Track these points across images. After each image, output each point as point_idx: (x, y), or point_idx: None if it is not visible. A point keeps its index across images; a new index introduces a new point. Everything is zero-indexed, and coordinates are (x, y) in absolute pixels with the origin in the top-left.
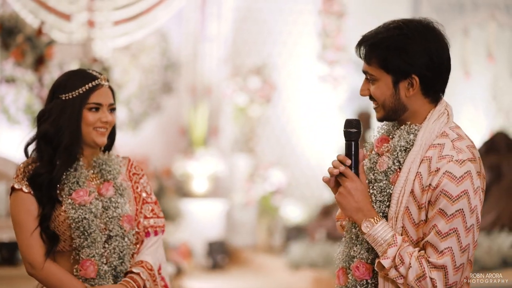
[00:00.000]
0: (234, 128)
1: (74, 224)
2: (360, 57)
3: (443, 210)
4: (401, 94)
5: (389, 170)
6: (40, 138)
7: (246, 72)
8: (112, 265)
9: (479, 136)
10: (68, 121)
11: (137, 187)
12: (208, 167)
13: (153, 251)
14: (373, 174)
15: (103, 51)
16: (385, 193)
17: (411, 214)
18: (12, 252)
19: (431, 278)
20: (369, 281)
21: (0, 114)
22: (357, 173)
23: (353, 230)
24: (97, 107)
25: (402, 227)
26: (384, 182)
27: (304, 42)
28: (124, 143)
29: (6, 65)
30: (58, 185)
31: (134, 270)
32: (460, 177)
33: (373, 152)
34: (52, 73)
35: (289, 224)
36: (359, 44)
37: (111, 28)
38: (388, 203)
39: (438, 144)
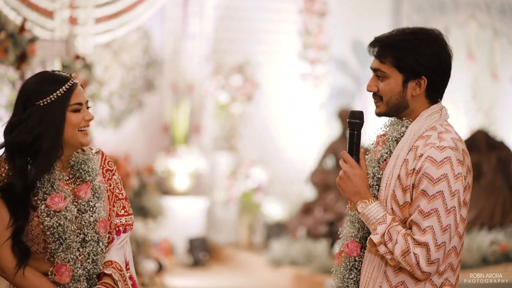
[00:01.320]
0: (216, 125)
1: (49, 231)
2: (372, 55)
3: (425, 191)
4: (408, 93)
5: (381, 158)
6: (14, 148)
7: (228, 70)
8: (86, 269)
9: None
10: (49, 126)
11: (110, 184)
12: (190, 164)
13: (118, 248)
14: (371, 164)
15: (85, 48)
16: (375, 178)
17: (396, 197)
18: None
19: (414, 254)
20: (356, 258)
21: None
22: (357, 159)
23: (349, 212)
24: (79, 108)
25: (391, 209)
26: (375, 168)
27: (285, 40)
28: (106, 140)
29: None
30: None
31: (106, 271)
32: (440, 162)
33: (374, 146)
34: (34, 70)
35: (270, 221)
36: (373, 44)
37: (93, 25)
38: (377, 187)
39: (426, 135)
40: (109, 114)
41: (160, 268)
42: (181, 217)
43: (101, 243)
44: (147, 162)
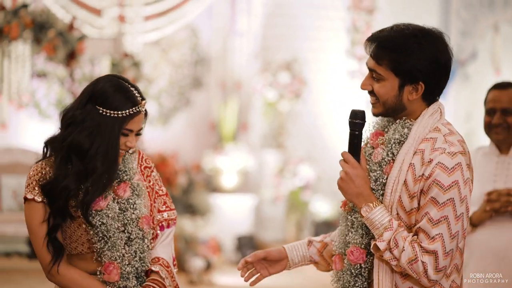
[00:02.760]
0: (264, 123)
1: (92, 230)
2: (369, 53)
3: (435, 199)
4: (404, 97)
5: (383, 161)
6: (72, 148)
7: (276, 67)
8: (134, 267)
9: None
10: (106, 146)
11: (149, 181)
12: (238, 162)
13: (166, 245)
14: (368, 165)
15: (133, 46)
16: (379, 182)
17: (403, 203)
18: None
19: (422, 262)
20: (362, 265)
21: (31, 108)
22: (358, 160)
23: (349, 217)
24: (127, 134)
25: (397, 214)
26: (378, 172)
27: (333, 37)
28: (154, 138)
29: (38, 60)
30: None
31: (154, 268)
32: (451, 168)
33: (368, 145)
34: (83, 68)
35: (318, 219)
36: (370, 41)
37: (141, 23)
38: (381, 191)
39: (431, 137)
40: (158, 112)
41: (208, 266)
42: (229, 215)
43: (146, 240)
44: (195, 159)
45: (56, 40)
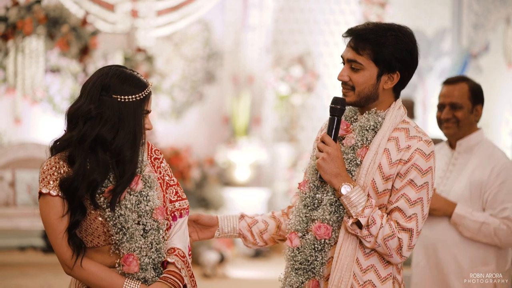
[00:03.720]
0: (276, 117)
1: (111, 221)
2: (346, 44)
3: (413, 181)
4: (380, 86)
5: (356, 145)
6: (97, 142)
7: (288, 61)
8: (151, 258)
9: None
10: (133, 132)
11: (159, 172)
12: (250, 156)
13: (181, 235)
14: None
15: (146, 40)
16: (352, 164)
17: (376, 184)
18: None
19: (399, 238)
20: (327, 241)
21: (45, 103)
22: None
23: (317, 195)
24: (146, 115)
25: (367, 194)
26: (351, 154)
27: (345, 30)
28: (167, 133)
29: (51, 55)
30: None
31: (170, 259)
32: (428, 155)
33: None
34: (96, 63)
35: None
36: (350, 34)
37: (154, 18)
38: (354, 172)
39: (402, 128)
40: (171, 106)
41: (222, 259)
42: (242, 208)
43: (161, 230)
44: (208, 153)
45: (69, 36)
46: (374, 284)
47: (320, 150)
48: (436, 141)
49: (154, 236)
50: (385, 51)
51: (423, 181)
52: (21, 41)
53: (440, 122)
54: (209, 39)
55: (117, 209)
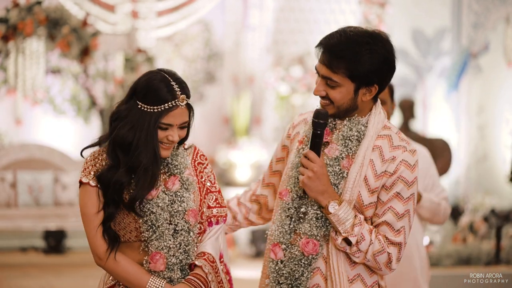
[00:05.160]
0: (277, 117)
1: (142, 219)
2: (321, 61)
3: (399, 194)
4: (359, 98)
5: (340, 156)
6: (116, 142)
7: (288, 61)
8: (179, 259)
9: None
10: (145, 139)
11: (201, 177)
12: (251, 156)
13: (213, 241)
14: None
15: (146, 41)
16: (338, 176)
17: (361, 197)
18: (59, 240)
19: (388, 253)
20: (314, 256)
21: (46, 104)
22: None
23: (302, 209)
24: (167, 128)
25: (353, 207)
26: (337, 167)
27: None
28: None
29: (52, 56)
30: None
31: (197, 263)
32: (413, 165)
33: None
34: (97, 64)
35: None
36: (322, 50)
37: (154, 19)
38: (340, 185)
39: (384, 135)
40: None
41: None
42: None
43: (191, 232)
44: (208, 154)
45: (70, 37)
46: None
47: (303, 166)
48: (437, 141)
49: (184, 237)
50: (361, 68)
51: (409, 193)
52: (22, 42)
53: None
54: (209, 39)
55: (149, 206)
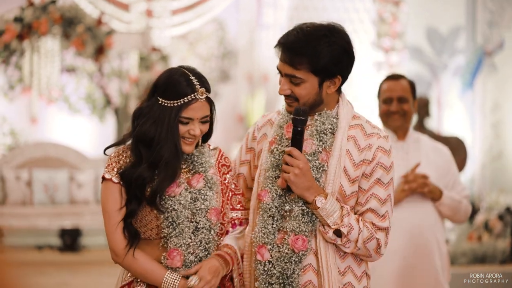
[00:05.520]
0: None
1: (163, 215)
2: (282, 60)
3: (380, 180)
4: (323, 92)
5: (317, 150)
6: (139, 138)
7: None
8: (198, 256)
9: None
10: (166, 133)
11: (225, 179)
12: None
13: (237, 237)
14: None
15: (161, 40)
16: (319, 170)
17: (343, 187)
18: (74, 238)
19: (377, 239)
20: (304, 252)
21: (61, 103)
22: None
23: (286, 207)
24: (187, 122)
25: (336, 198)
26: (316, 161)
27: (359, 29)
28: None
29: (67, 55)
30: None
31: (221, 251)
32: (389, 151)
33: (283, 137)
34: (111, 62)
35: None
36: (281, 49)
37: (169, 17)
38: (321, 179)
39: (355, 124)
40: None
41: None
42: None
43: (212, 231)
44: None
45: (85, 35)
46: (353, 285)
47: (286, 164)
48: (452, 139)
49: (205, 235)
50: (322, 61)
51: (389, 177)
52: (37, 41)
53: (387, 115)
54: (223, 38)
55: (170, 203)
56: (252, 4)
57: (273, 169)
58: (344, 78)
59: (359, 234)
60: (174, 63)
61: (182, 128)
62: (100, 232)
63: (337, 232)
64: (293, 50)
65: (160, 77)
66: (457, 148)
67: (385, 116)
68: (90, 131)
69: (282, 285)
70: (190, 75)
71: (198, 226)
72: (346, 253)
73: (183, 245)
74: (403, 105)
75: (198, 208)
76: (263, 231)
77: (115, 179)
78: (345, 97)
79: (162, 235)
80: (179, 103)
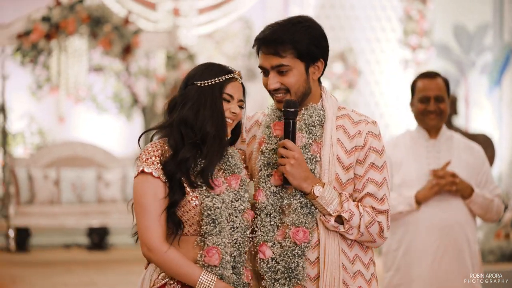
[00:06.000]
0: None
1: (207, 212)
2: (266, 53)
3: (374, 164)
4: (310, 78)
5: (308, 143)
6: (180, 123)
7: (330, 58)
8: (232, 255)
9: None
10: (211, 110)
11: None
12: None
13: None
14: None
15: (188, 39)
16: (314, 161)
17: (338, 176)
18: (102, 237)
19: (378, 222)
20: (306, 244)
21: (88, 102)
22: None
23: (284, 202)
24: (229, 99)
25: (333, 187)
26: (309, 153)
27: (387, 27)
28: None
29: (94, 54)
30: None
31: None
32: (378, 135)
33: (271, 136)
34: (138, 62)
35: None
36: (262, 43)
37: (195, 16)
38: (315, 171)
39: (342, 114)
40: None
41: None
42: None
43: (247, 231)
44: None
45: (112, 35)
46: (362, 273)
47: (282, 156)
48: (479, 136)
49: (241, 235)
50: (304, 44)
51: (382, 161)
52: (64, 40)
53: (424, 113)
54: (250, 36)
55: (215, 201)
56: (279, 3)
57: (265, 168)
58: (325, 62)
59: (360, 219)
60: (201, 61)
61: (224, 105)
62: (128, 231)
63: (339, 220)
64: (275, 40)
65: (191, 70)
66: (485, 146)
67: (421, 115)
68: (117, 130)
69: (288, 279)
70: (221, 64)
71: (235, 225)
72: (353, 242)
73: (222, 243)
74: (440, 104)
75: (237, 208)
76: (262, 230)
77: (155, 173)
78: (327, 91)
79: (201, 232)
80: (221, 80)
